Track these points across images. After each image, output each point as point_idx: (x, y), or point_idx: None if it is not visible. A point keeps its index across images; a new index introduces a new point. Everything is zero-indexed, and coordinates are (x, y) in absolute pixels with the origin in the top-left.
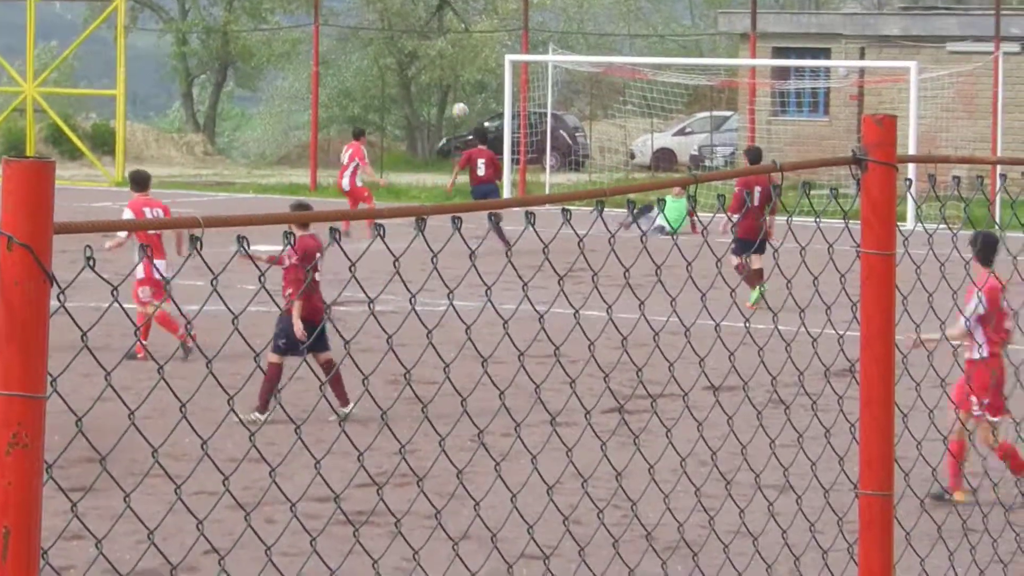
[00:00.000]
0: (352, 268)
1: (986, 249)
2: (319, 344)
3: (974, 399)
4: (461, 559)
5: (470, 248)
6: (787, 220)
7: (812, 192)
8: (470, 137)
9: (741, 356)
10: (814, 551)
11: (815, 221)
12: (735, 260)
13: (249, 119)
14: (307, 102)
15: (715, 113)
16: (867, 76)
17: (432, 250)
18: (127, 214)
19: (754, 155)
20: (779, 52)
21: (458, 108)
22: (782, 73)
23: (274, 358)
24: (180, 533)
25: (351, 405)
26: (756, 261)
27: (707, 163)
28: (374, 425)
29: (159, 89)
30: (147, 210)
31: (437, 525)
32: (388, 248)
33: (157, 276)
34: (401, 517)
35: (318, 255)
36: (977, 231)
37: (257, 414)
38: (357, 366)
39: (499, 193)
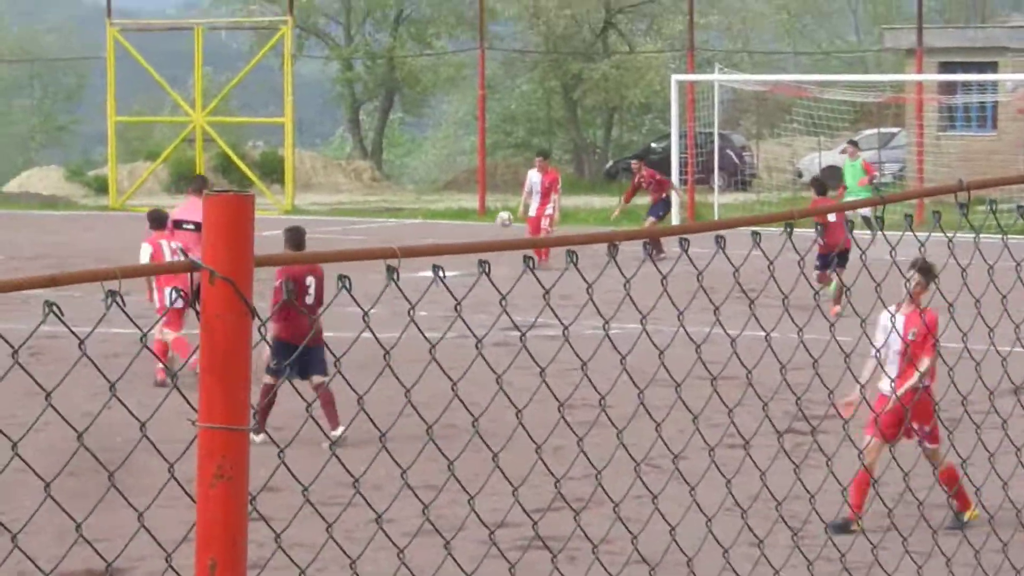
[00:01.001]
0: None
1: (931, 273)
2: (313, 368)
3: (916, 425)
4: None
5: (623, 276)
6: (975, 239)
7: (977, 208)
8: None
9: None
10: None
11: (974, 239)
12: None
13: (419, 144)
14: (473, 127)
15: (882, 130)
16: None
17: (586, 280)
18: (145, 250)
19: (819, 187)
20: (945, 67)
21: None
22: (949, 88)
23: (267, 379)
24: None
25: (341, 429)
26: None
27: (876, 178)
28: (548, 452)
29: (325, 116)
30: (164, 243)
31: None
32: (538, 280)
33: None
34: (564, 543)
35: (309, 279)
36: (915, 258)
37: (256, 436)
38: (508, 395)
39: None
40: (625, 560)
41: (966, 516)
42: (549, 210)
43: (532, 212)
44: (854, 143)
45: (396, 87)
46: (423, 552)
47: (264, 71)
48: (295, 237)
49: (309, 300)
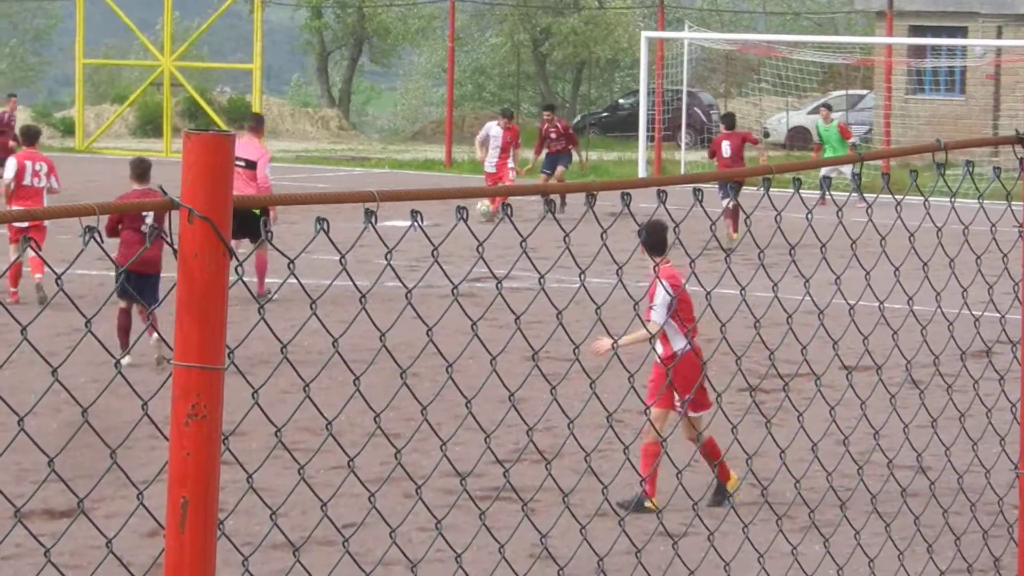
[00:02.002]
0: (480, 249)
1: (654, 239)
2: (145, 295)
3: (676, 396)
4: (588, 542)
5: (602, 226)
6: (951, 201)
7: (952, 172)
8: (605, 115)
9: (875, 337)
10: (947, 535)
11: (950, 201)
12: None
13: (379, 94)
14: (441, 79)
15: (851, 92)
16: (1004, 55)
17: (564, 229)
18: (10, 164)
19: (728, 120)
20: (915, 30)
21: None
22: (918, 52)
23: (120, 304)
24: (314, 508)
25: (155, 336)
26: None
27: (856, 141)
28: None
29: (293, 63)
30: (28, 163)
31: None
32: (517, 229)
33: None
34: (533, 495)
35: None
36: (644, 223)
37: (122, 357)
38: (484, 345)
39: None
40: (592, 512)
41: (729, 487)
42: (511, 163)
43: (491, 168)
44: (828, 107)
45: (365, 36)
46: (387, 500)
47: (233, 17)
48: (139, 167)
49: (146, 228)
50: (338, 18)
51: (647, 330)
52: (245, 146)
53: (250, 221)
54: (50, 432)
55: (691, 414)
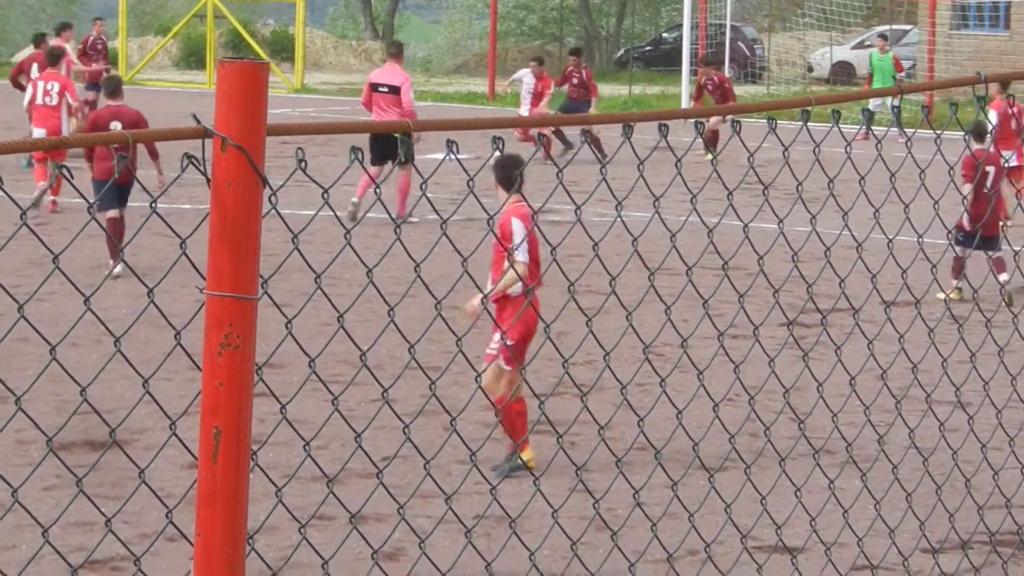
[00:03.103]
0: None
1: (507, 173)
2: (120, 202)
3: (497, 336)
4: (624, 475)
5: (638, 158)
6: (991, 132)
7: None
8: (648, 48)
9: (914, 271)
10: (985, 470)
11: (991, 132)
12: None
13: (418, 27)
14: (484, 12)
15: (895, 27)
16: None
17: (601, 160)
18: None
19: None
20: None
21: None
22: None
23: (108, 214)
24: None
25: (118, 265)
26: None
27: (906, 76)
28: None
29: None
30: (42, 83)
31: (607, 438)
32: (554, 161)
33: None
34: (568, 428)
35: (114, 123)
36: (500, 156)
37: (116, 268)
38: (521, 277)
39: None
40: (629, 445)
41: (525, 456)
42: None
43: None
44: (884, 36)
45: None
46: (424, 432)
47: None
48: (110, 84)
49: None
50: None
51: (515, 271)
52: (388, 72)
53: (392, 143)
54: (90, 363)
55: (502, 364)
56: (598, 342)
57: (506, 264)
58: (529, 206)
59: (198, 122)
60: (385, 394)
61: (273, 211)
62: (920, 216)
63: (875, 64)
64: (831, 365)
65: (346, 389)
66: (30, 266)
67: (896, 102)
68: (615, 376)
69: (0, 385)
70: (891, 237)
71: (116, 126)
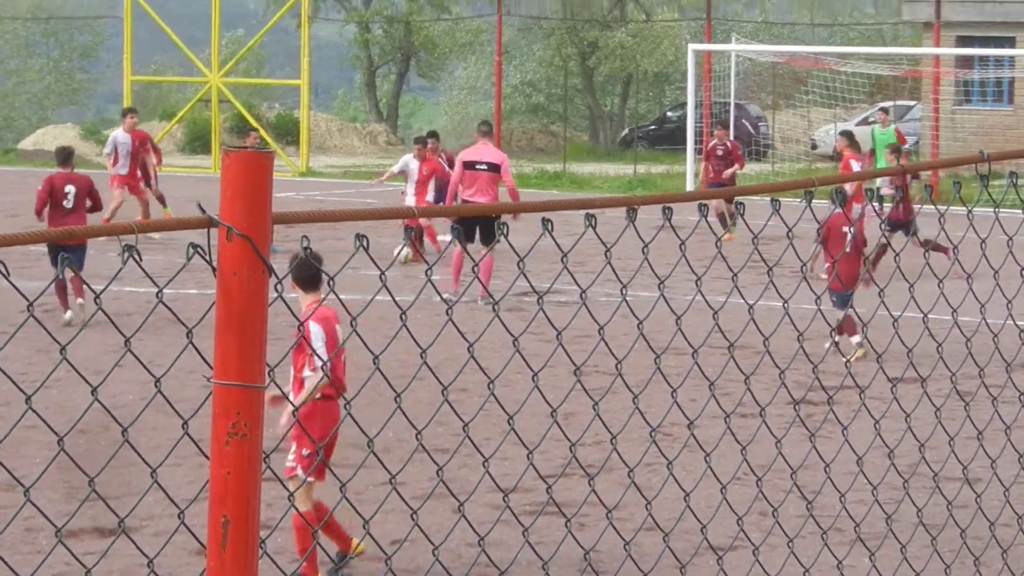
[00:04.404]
0: (521, 264)
1: (306, 273)
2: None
3: (294, 446)
4: (632, 558)
5: (642, 241)
6: (994, 212)
7: (992, 183)
8: (653, 128)
9: (920, 349)
10: (994, 548)
11: (994, 212)
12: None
13: (421, 106)
14: (488, 92)
15: (898, 103)
16: None
17: (605, 244)
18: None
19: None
20: (963, 41)
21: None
22: (966, 62)
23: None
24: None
25: (69, 313)
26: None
27: (910, 148)
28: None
29: (340, 79)
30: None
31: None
32: (557, 244)
33: None
34: (577, 510)
35: (68, 187)
36: (297, 254)
37: (66, 314)
38: (525, 360)
39: None
40: (637, 527)
41: (353, 547)
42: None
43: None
44: (885, 111)
45: (413, 51)
46: (432, 516)
47: (281, 33)
48: (62, 153)
49: (68, 204)
50: (386, 33)
51: (321, 374)
52: (484, 150)
53: (477, 223)
54: (98, 451)
55: (300, 474)
56: (604, 424)
57: (306, 370)
58: (341, 304)
59: (203, 212)
60: (393, 480)
61: (280, 298)
62: (925, 293)
63: (877, 139)
64: (839, 443)
65: (355, 475)
66: (37, 353)
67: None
68: (621, 458)
69: (8, 474)
70: (896, 315)
71: (71, 189)
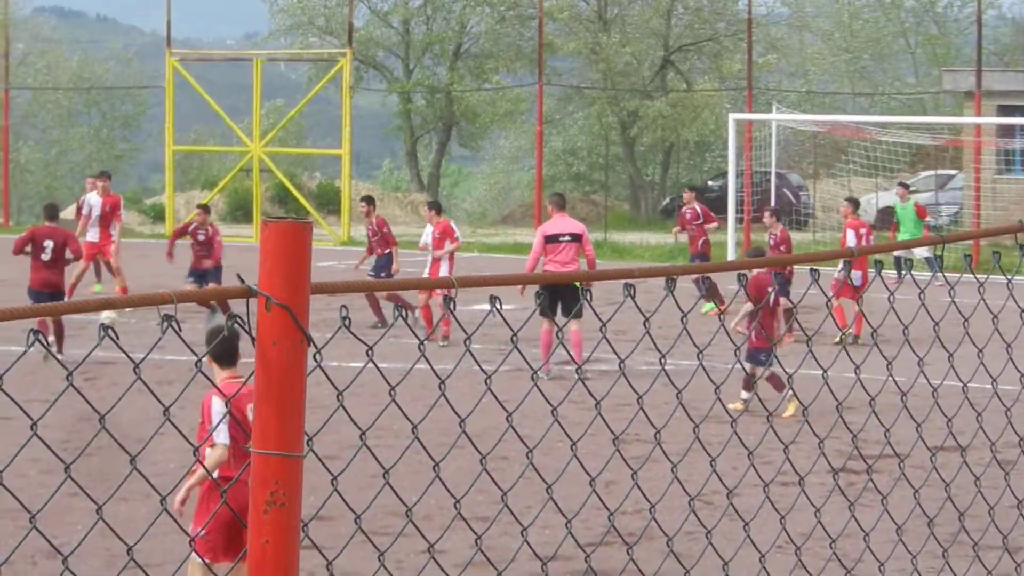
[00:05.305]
0: (559, 334)
1: (224, 348)
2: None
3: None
4: None
5: (682, 310)
6: (1008, 282)
7: None
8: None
9: (960, 418)
10: None
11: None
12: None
13: (467, 176)
14: (528, 161)
15: (940, 172)
16: None
17: (644, 313)
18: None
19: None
20: (1004, 110)
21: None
22: (1007, 131)
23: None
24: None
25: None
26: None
27: (932, 222)
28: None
29: (382, 148)
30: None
31: None
32: (596, 313)
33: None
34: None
35: (47, 241)
36: (213, 328)
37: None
38: (564, 429)
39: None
40: None
41: None
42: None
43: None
44: (904, 185)
45: (454, 120)
46: None
47: (324, 103)
48: (49, 210)
49: (45, 257)
50: (428, 103)
51: (211, 458)
52: (564, 223)
53: (561, 294)
54: (139, 517)
55: (195, 558)
56: (643, 493)
57: (207, 448)
58: (380, 373)
59: (242, 282)
60: (431, 549)
61: (319, 367)
62: (964, 362)
63: (899, 213)
64: (879, 512)
65: (394, 542)
66: (79, 421)
67: (937, 251)
68: (659, 527)
69: (48, 543)
70: (936, 384)
71: (49, 243)
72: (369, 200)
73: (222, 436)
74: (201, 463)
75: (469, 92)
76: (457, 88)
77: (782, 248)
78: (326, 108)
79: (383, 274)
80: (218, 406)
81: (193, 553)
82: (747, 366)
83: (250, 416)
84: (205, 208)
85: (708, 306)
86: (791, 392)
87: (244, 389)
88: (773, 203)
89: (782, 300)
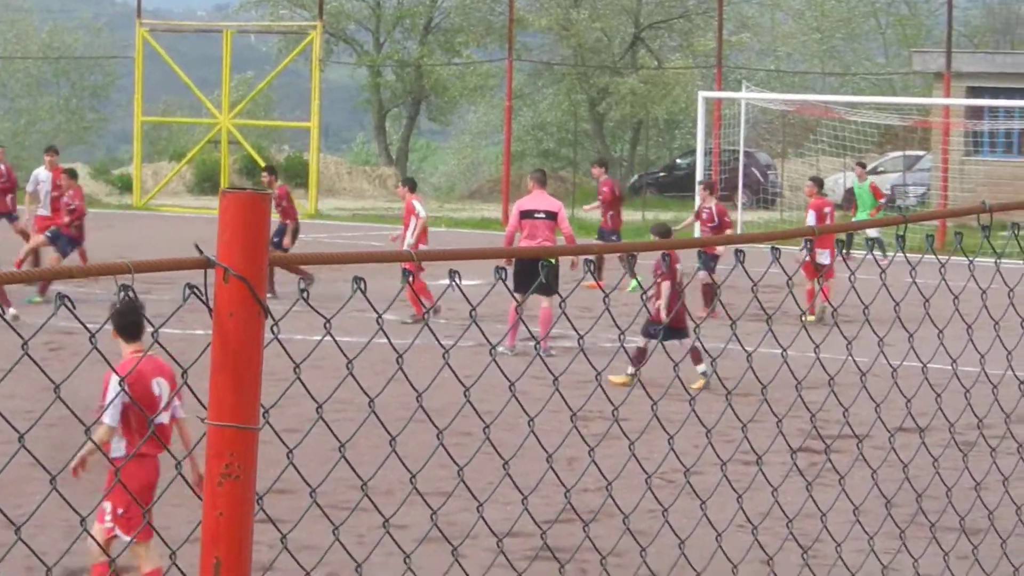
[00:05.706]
0: (519, 309)
1: (124, 320)
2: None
3: (108, 506)
4: None
5: (642, 288)
6: (996, 262)
7: (999, 234)
8: (662, 174)
9: (919, 399)
10: None
11: (995, 262)
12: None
13: (435, 151)
14: (498, 136)
15: (908, 153)
16: None
17: (604, 290)
18: None
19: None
20: (973, 92)
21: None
22: (976, 113)
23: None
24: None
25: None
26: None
27: (899, 203)
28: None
29: (351, 121)
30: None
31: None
32: (558, 292)
33: None
34: (571, 555)
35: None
36: (119, 304)
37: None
38: (521, 404)
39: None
40: (633, 573)
41: None
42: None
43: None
44: (862, 164)
45: (424, 95)
46: (432, 559)
47: (294, 75)
48: None
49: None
50: (397, 77)
51: (97, 435)
52: (540, 199)
53: (540, 272)
54: (98, 489)
55: (121, 534)
56: (600, 470)
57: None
58: (169, 357)
59: (200, 252)
60: (386, 524)
61: (276, 339)
62: (925, 343)
63: (856, 192)
64: (837, 492)
65: (350, 515)
66: (42, 391)
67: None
68: (616, 504)
69: (2, 513)
70: (896, 365)
71: None
72: (271, 170)
73: (109, 416)
74: (91, 439)
75: (439, 66)
76: (427, 62)
77: (712, 224)
78: (295, 81)
79: (275, 239)
80: (112, 386)
81: (118, 532)
82: (640, 340)
83: (156, 390)
84: (70, 172)
85: (633, 284)
86: (707, 368)
87: (148, 364)
88: (741, 181)
89: (702, 276)
